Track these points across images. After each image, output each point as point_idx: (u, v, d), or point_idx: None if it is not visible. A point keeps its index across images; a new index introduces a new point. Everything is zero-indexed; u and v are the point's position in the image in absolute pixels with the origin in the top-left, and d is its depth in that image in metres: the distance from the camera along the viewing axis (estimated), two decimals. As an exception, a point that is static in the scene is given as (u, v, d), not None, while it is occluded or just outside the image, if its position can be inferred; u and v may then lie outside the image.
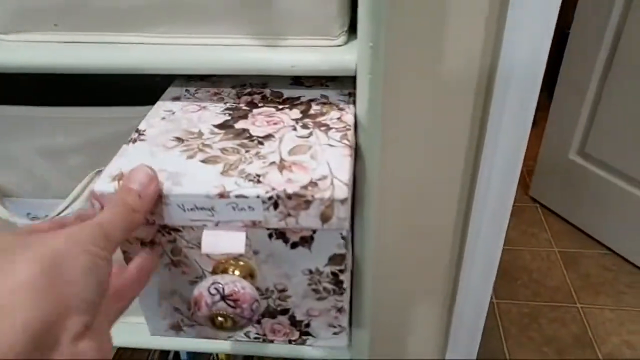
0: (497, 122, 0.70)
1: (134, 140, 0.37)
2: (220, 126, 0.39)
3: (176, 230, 0.35)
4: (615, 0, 1.25)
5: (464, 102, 0.69)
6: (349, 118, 0.39)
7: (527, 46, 0.63)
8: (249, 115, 0.40)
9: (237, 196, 0.32)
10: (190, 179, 0.33)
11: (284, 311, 0.39)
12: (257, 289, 0.35)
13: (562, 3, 0.62)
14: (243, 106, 0.41)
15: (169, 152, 0.36)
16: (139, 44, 0.39)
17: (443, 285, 0.91)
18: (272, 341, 0.40)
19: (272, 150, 0.36)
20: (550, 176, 1.59)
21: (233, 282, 0.33)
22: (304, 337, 0.40)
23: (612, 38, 1.29)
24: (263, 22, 0.38)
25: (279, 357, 0.51)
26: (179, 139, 0.37)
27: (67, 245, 0.26)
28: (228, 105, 0.42)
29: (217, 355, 0.72)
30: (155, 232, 0.35)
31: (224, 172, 0.34)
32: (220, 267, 0.36)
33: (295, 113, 0.40)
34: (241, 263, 0.36)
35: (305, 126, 0.38)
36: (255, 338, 0.41)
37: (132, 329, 0.46)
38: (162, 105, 0.42)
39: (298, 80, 0.45)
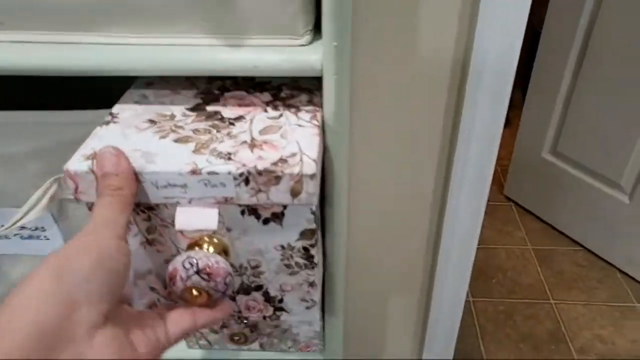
0: (470, 119, 0.71)
1: (107, 123, 0.38)
2: (192, 109, 0.40)
3: (150, 208, 0.36)
4: (585, 0, 1.29)
5: (436, 99, 0.70)
6: (318, 100, 0.41)
7: (500, 40, 0.64)
8: (221, 98, 0.42)
9: (209, 173, 0.34)
10: (163, 157, 0.35)
11: (258, 287, 0.40)
12: (232, 266, 0.36)
13: (534, 2, 0.63)
14: (215, 90, 0.43)
15: (141, 133, 0.37)
16: (92, 44, 0.38)
17: (418, 285, 0.92)
18: (247, 318, 0.42)
19: (243, 130, 0.38)
20: (524, 175, 1.64)
21: (207, 257, 0.35)
22: (278, 313, 0.42)
23: (582, 37, 1.34)
24: (224, 21, 0.37)
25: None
26: (152, 121, 0.39)
27: (74, 248, 0.28)
28: (200, 89, 0.43)
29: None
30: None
31: (195, 151, 0.36)
32: (195, 244, 0.37)
33: (266, 96, 0.42)
34: (215, 240, 0.37)
35: (275, 108, 0.40)
36: (231, 315, 0.42)
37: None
38: (135, 91, 0.43)
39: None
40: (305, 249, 0.38)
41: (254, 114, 0.39)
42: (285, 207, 0.36)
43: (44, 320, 0.24)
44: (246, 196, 0.35)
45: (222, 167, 0.34)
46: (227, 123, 0.38)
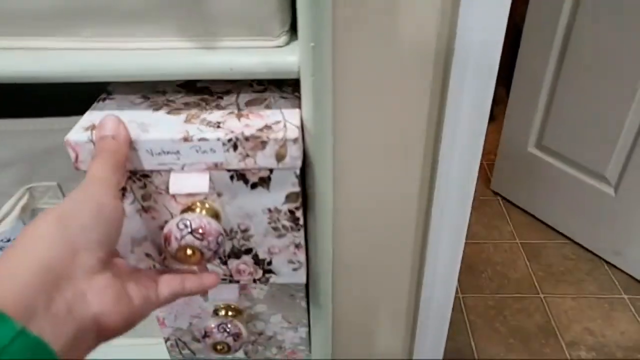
0: (454, 113, 0.72)
1: (103, 99, 0.42)
2: (183, 86, 0.44)
3: (145, 176, 0.40)
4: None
5: (420, 94, 0.70)
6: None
7: (483, 28, 0.62)
8: (209, 77, 0.45)
9: (200, 139, 0.38)
10: (157, 127, 0.38)
11: (248, 251, 0.44)
12: (223, 230, 0.40)
13: None
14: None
15: (136, 107, 0.41)
16: (58, 49, 0.37)
17: (407, 283, 0.93)
18: (238, 281, 0.45)
19: (231, 103, 0.41)
20: (511, 169, 1.69)
21: (199, 218, 0.38)
22: (267, 275, 0.45)
23: (563, 32, 1.39)
24: (197, 23, 0.36)
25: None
26: (145, 97, 0.42)
27: (75, 200, 0.31)
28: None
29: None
30: (126, 178, 0.40)
31: (187, 121, 0.39)
32: (188, 209, 0.41)
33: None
34: (207, 205, 0.41)
35: (260, 83, 0.44)
36: (222, 279, 0.45)
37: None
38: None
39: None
40: (291, 212, 0.42)
41: (240, 88, 0.43)
42: (271, 171, 0.40)
43: (48, 260, 0.27)
44: (235, 161, 0.39)
45: (211, 134, 0.38)
46: (215, 97, 0.42)
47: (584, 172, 1.49)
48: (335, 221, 0.82)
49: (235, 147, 0.38)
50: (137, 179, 0.40)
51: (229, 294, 0.51)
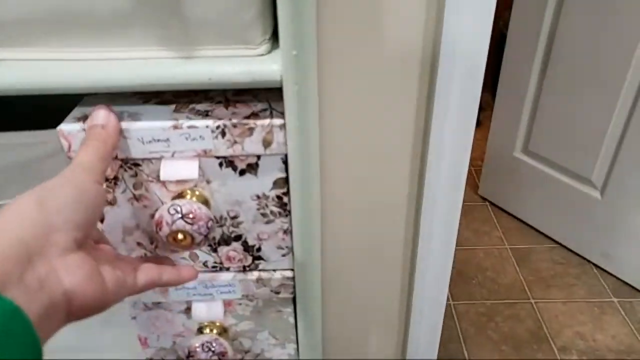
0: (441, 118, 0.73)
1: (95, 93, 0.44)
2: (172, 80, 0.46)
3: (137, 164, 0.42)
4: (547, 0, 1.40)
5: (406, 101, 0.72)
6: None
7: (468, 32, 0.64)
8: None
9: (189, 127, 0.40)
10: (147, 116, 0.41)
11: (237, 237, 0.45)
12: (213, 217, 0.42)
13: (499, 5, 0.66)
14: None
15: (127, 99, 0.43)
16: (32, 60, 0.36)
17: (398, 292, 0.94)
18: (228, 269, 0.47)
19: (219, 94, 0.44)
20: (498, 175, 1.73)
21: (190, 203, 0.40)
22: (257, 262, 0.47)
23: (546, 38, 1.44)
24: (176, 32, 0.36)
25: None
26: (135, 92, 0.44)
27: (56, 183, 0.33)
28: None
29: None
30: (118, 167, 0.42)
31: (176, 110, 0.41)
32: (178, 196, 0.43)
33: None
34: (197, 192, 0.43)
35: (247, 76, 0.46)
36: (213, 267, 0.47)
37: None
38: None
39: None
40: (279, 198, 0.44)
41: (228, 81, 0.45)
42: (258, 157, 0.42)
43: (25, 237, 0.28)
44: (223, 148, 0.41)
45: (200, 121, 0.40)
46: (204, 89, 0.44)
47: (570, 176, 1.53)
48: (323, 227, 0.83)
49: (223, 134, 0.40)
50: (129, 167, 0.42)
51: (213, 311, 0.51)
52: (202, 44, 0.37)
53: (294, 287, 0.47)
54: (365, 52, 0.67)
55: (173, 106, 0.42)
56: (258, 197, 0.44)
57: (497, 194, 1.76)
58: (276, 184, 0.43)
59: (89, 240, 0.33)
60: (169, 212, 0.39)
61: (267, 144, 0.41)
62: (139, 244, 0.45)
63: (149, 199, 0.43)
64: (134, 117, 0.40)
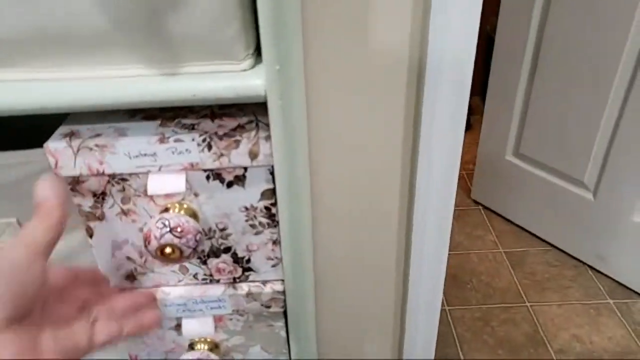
0: (430, 124, 0.73)
1: (81, 109, 0.45)
2: (158, 94, 0.47)
3: (124, 179, 0.43)
4: (534, 3, 1.42)
5: (394, 107, 0.72)
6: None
7: (455, 37, 0.66)
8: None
9: (175, 140, 0.41)
10: (133, 131, 0.41)
11: (227, 249, 0.46)
12: (202, 230, 0.42)
13: (486, 9, 0.66)
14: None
15: (113, 114, 0.44)
16: (15, 80, 0.37)
17: (391, 299, 0.93)
18: (218, 281, 0.48)
19: (204, 107, 0.45)
20: (490, 178, 1.74)
21: (177, 217, 0.41)
22: (247, 274, 0.48)
23: (534, 40, 1.46)
24: (158, 49, 0.36)
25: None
26: (122, 105, 0.45)
27: None
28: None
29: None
30: (106, 183, 0.43)
31: (162, 124, 0.42)
32: (166, 210, 0.43)
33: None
34: (185, 205, 0.44)
35: (232, 88, 0.47)
36: (203, 279, 0.48)
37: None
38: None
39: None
40: (267, 209, 0.45)
41: (213, 94, 0.46)
42: (245, 169, 0.43)
43: None
44: (210, 160, 0.42)
45: (186, 135, 0.41)
46: (189, 102, 0.45)
47: (563, 178, 1.55)
48: (313, 236, 0.83)
49: (209, 146, 0.41)
50: (116, 182, 0.43)
51: (203, 327, 0.51)
52: (185, 61, 0.37)
53: (285, 300, 0.48)
54: (351, 61, 0.68)
55: (159, 120, 0.43)
56: (246, 208, 0.45)
57: (489, 198, 1.78)
58: (264, 195, 0.44)
59: (33, 313, 0.34)
60: (157, 226, 0.40)
61: (253, 155, 0.42)
62: (128, 258, 0.46)
63: (137, 213, 0.44)
64: (120, 132, 0.41)
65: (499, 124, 1.64)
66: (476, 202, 1.82)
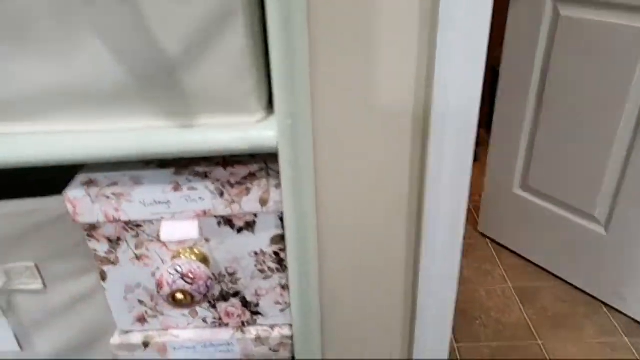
0: (438, 162, 0.75)
1: (98, 156, 0.48)
2: (172, 141, 0.50)
3: (138, 225, 0.45)
4: (539, 35, 1.45)
5: (402, 149, 0.75)
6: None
7: (460, 82, 0.67)
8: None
9: (189, 189, 0.43)
10: (149, 179, 0.44)
11: (236, 293, 0.48)
12: (212, 274, 0.44)
13: (491, 41, 0.69)
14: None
15: (129, 163, 0.46)
16: (35, 133, 0.39)
17: (399, 335, 0.95)
18: (227, 325, 0.49)
19: (217, 155, 0.47)
20: (497, 211, 1.75)
21: (189, 263, 0.43)
22: (255, 318, 0.49)
23: (540, 73, 1.49)
24: (175, 102, 0.38)
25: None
26: (137, 153, 0.48)
27: None
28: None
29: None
30: (120, 229, 0.45)
31: (176, 172, 0.45)
32: (178, 255, 0.45)
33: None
34: (196, 251, 0.46)
35: (243, 136, 0.50)
36: (212, 323, 0.49)
37: None
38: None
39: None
40: (276, 254, 0.47)
41: (225, 142, 0.49)
42: (256, 215, 0.45)
43: None
44: (221, 207, 0.44)
45: (200, 183, 0.43)
46: (202, 150, 0.48)
47: (573, 212, 1.56)
48: (321, 282, 0.85)
49: (222, 194, 0.43)
50: (130, 228, 0.45)
51: None
52: (200, 113, 0.40)
53: (293, 345, 0.49)
54: (358, 111, 0.72)
55: (173, 168, 0.45)
56: (256, 253, 0.47)
57: (497, 231, 1.78)
58: (273, 240, 0.46)
59: None
60: (169, 272, 0.42)
61: (263, 202, 0.44)
62: (140, 301, 0.48)
63: (149, 258, 0.46)
64: (136, 180, 0.44)
65: (506, 156, 1.65)
66: (483, 235, 1.82)
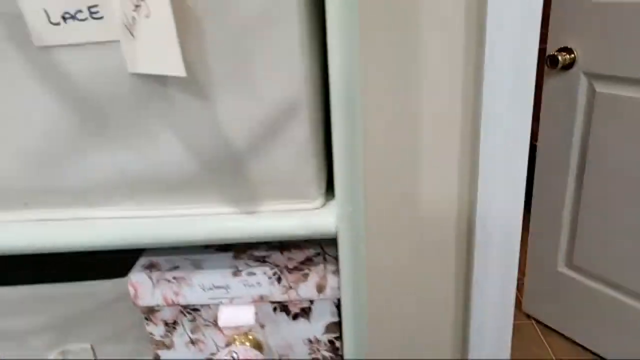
0: (482, 279, 0.77)
1: (158, 239, 0.49)
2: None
3: (196, 310, 0.46)
4: (576, 110, 1.47)
5: (446, 254, 0.78)
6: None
7: (502, 198, 0.72)
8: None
9: (248, 274, 0.44)
10: (209, 263, 0.45)
11: (289, 382, 0.48)
12: (265, 361, 0.45)
13: None
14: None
15: (189, 246, 0.48)
16: (109, 218, 0.42)
17: None
18: (279, 415, 0.49)
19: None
20: (542, 291, 1.70)
21: (246, 350, 0.43)
22: (308, 408, 0.49)
23: (579, 148, 1.49)
24: (238, 190, 0.41)
25: None
26: (196, 236, 0.50)
27: None
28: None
29: None
30: (178, 312, 0.46)
31: (235, 257, 0.46)
32: (233, 341, 0.46)
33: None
34: (250, 337, 0.46)
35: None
36: (264, 412, 0.49)
37: None
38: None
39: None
40: (331, 342, 0.47)
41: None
42: (312, 302, 0.46)
43: None
44: (278, 293, 0.45)
45: (258, 268, 0.44)
46: (259, 234, 0.49)
47: (622, 291, 1.50)
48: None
49: (279, 280, 0.44)
50: (188, 312, 0.46)
51: None
52: (263, 200, 0.42)
53: None
54: (404, 216, 0.75)
55: (232, 253, 0.47)
56: (310, 341, 0.47)
57: (542, 312, 1.72)
58: (328, 328, 0.46)
59: None
60: (226, 358, 0.42)
61: (320, 289, 0.45)
62: (192, 388, 0.48)
63: (204, 343, 0.47)
64: (196, 264, 0.45)
65: (548, 234, 1.63)
66: (528, 316, 1.76)
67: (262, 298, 0.45)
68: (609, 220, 1.47)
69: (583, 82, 1.39)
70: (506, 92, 0.76)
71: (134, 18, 0.38)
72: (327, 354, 0.47)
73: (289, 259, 0.45)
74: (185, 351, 0.47)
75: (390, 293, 0.80)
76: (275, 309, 0.46)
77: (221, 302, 0.45)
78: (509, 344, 0.82)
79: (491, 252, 0.75)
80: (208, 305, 0.46)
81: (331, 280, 0.44)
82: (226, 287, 0.45)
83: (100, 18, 0.38)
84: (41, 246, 0.41)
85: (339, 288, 0.45)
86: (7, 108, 0.40)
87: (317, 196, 0.43)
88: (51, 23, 0.39)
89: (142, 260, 0.46)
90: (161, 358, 0.47)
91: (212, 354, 0.47)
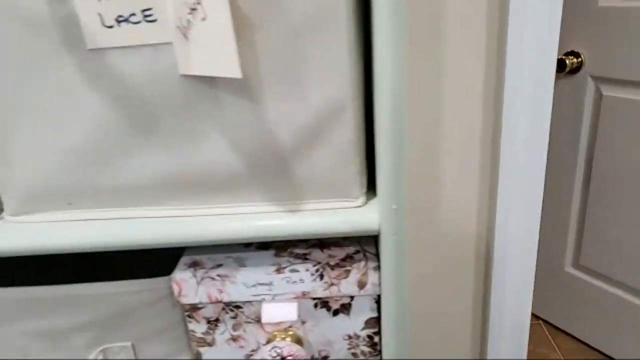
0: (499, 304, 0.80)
1: (197, 238, 0.51)
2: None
3: (238, 307, 0.47)
4: (583, 113, 1.49)
5: (463, 281, 0.83)
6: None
7: (518, 228, 0.75)
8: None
9: (291, 271, 0.46)
10: (252, 261, 0.47)
11: (329, 377, 0.49)
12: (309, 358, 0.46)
13: None
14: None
15: (230, 244, 0.49)
16: (153, 217, 0.44)
17: None
18: (318, 410, 0.50)
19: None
20: (550, 291, 1.72)
21: (289, 345, 0.45)
22: (347, 403, 0.50)
23: (586, 149, 1.52)
24: (282, 189, 0.43)
25: None
26: (234, 235, 0.51)
27: None
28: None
29: None
30: (220, 310, 0.47)
31: (277, 254, 0.48)
32: (273, 338, 0.47)
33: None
34: (290, 333, 0.48)
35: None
36: (304, 408, 0.50)
37: None
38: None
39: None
40: (370, 337, 0.48)
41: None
42: (352, 298, 0.47)
43: None
44: (320, 289, 0.46)
45: (300, 265, 0.46)
46: (296, 233, 0.51)
47: (630, 291, 1.53)
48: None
49: (321, 276, 0.46)
50: (230, 309, 0.47)
51: None
52: (306, 199, 0.44)
53: None
54: (426, 224, 0.78)
55: (273, 250, 0.48)
56: (349, 337, 0.48)
57: (550, 312, 1.75)
58: (367, 323, 0.48)
59: None
60: (270, 354, 0.44)
61: (361, 285, 0.46)
62: (233, 384, 0.49)
63: (245, 340, 0.48)
64: (240, 262, 0.47)
65: (556, 235, 1.65)
66: (536, 317, 1.78)
67: (304, 294, 0.46)
68: (615, 221, 1.49)
69: (590, 85, 1.42)
70: (525, 124, 0.80)
71: (188, 21, 0.39)
72: (366, 349, 0.49)
73: (330, 256, 0.47)
74: (226, 348, 0.48)
75: (412, 294, 0.82)
76: (316, 305, 0.47)
77: (264, 299, 0.47)
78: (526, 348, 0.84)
79: (509, 259, 0.78)
80: (251, 302, 0.47)
81: (372, 277, 0.46)
82: (269, 284, 0.46)
83: (154, 21, 0.40)
84: (85, 245, 0.43)
85: (379, 284, 0.46)
86: (58, 109, 0.42)
87: (359, 194, 0.44)
88: (105, 26, 0.40)
89: (185, 259, 0.48)
90: (202, 356, 0.49)
91: (253, 350, 0.48)
